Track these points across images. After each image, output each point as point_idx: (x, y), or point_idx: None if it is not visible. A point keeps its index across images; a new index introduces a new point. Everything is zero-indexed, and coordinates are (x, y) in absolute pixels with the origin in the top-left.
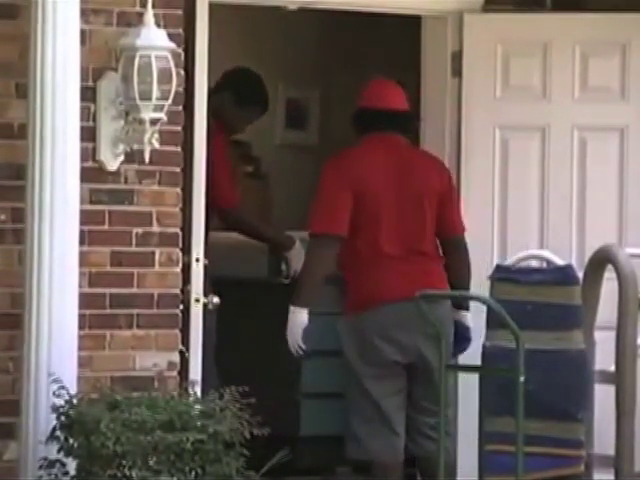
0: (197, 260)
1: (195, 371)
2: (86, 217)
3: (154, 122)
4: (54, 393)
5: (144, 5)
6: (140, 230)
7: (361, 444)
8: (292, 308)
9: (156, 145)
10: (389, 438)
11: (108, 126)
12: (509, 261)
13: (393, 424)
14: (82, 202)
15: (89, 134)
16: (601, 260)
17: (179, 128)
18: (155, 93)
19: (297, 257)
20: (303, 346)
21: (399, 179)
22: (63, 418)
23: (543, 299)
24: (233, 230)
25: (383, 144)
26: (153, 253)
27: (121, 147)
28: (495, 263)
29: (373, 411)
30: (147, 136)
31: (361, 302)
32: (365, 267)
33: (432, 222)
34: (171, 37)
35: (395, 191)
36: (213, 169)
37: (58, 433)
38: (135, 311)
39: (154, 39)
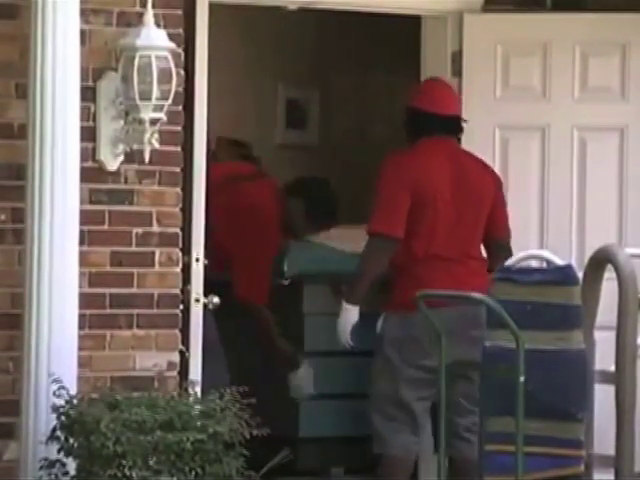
0: (197, 260)
1: (195, 371)
2: (86, 217)
3: (154, 122)
4: (54, 393)
5: (144, 5)
6: (140, 230)
7: (381, 439)
8: (345, 305)
9: (156, 145)
10: (409, 439)
11: (108, 126)
12: (509, 261)
13: (417, 426)
14: (82, 202)
15: (89, 134)
16: (601, 260)
17: (179, 128)
18: (155, 93)
19: (306, 379)
20: (351, 343)
21: (456, 183)
22: (63, 418)
23: (543, 299)
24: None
25: (441, 148)
26: (153, 253)
27: (121, 147)
28: None
29: (398, 411)
30: (147, 136)
31: (411, 302)
32: (418, 267)
33: (483, 226)
34: (171, 37)
35: (452, 195)
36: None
37: (58, 433)
38: (135, 311)
39: (154, 39)
